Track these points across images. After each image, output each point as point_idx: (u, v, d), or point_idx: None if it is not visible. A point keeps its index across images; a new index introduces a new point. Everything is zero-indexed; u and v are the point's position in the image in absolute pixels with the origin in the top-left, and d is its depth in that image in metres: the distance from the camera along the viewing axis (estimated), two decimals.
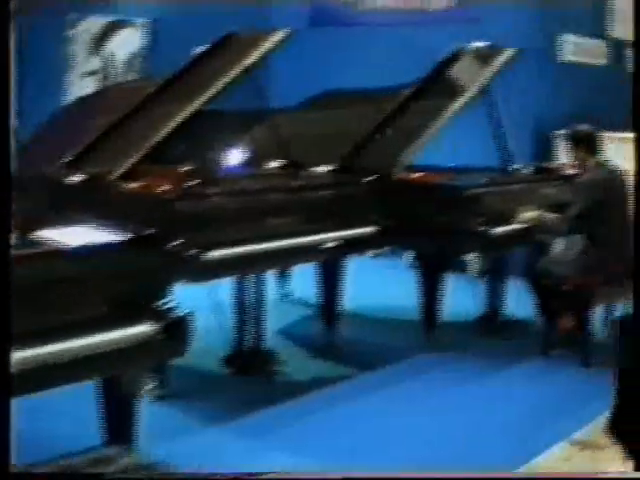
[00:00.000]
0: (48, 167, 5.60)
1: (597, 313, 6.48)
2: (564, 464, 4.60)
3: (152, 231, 3.83)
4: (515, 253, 7.31)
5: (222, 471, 4.03)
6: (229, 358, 5.87)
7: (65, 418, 4.78)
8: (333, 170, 6.41)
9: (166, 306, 3.79)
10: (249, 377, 5.81)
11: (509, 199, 6.67)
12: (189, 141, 5.91)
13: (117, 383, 3.96)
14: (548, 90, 9.15)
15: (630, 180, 6.40)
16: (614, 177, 6.39)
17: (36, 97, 8.46)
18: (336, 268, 6.58)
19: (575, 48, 9.57)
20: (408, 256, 7.29)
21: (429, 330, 6.57)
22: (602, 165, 6.40)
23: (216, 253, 5.04)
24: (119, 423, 4.05)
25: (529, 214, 6.55)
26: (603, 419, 5.08)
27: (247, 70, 5.84)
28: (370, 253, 6.60)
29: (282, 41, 6.07)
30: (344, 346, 6.64)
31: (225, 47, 6.18)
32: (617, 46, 10.24)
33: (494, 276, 7.17)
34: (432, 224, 6.26)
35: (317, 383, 5.81)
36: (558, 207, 6.65)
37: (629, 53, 10.52)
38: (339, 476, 3.82)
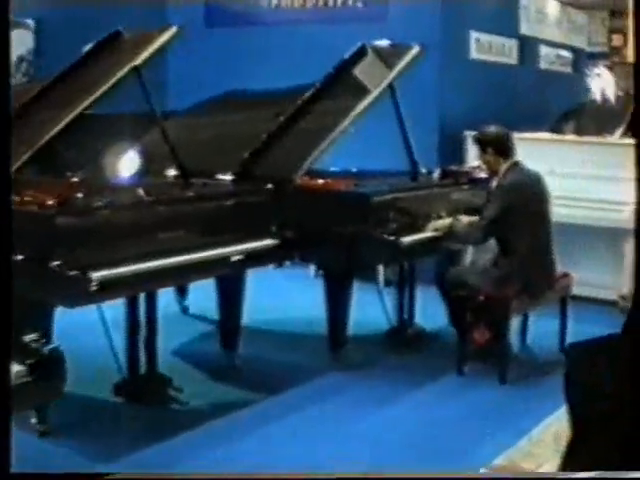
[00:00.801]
0: None
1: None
2: None
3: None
4: (426, 261, 6.92)
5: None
6: (119, 385, 5.38)
7: None
8: (231, 178, 5.95)
9: (35, 342, 3.30)
10: (141, 406, 5.32)
11: (418, 205, 6.33)
12: (75, 149, 5.48)
13: None
14: (456, 89, 8.85)
15: (546, 184, 6.13)
16: (528, 182, 6.08)
17: None
18: (236, 281, 6.12)
19: (484, 46, 9.31)
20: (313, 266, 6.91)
21: (337, 346, 6.16)
22: (515, 169, 6.05)
23: (101, 273, 4.52)
24: None
25: (440, 222, 6.21)
26: (523, 442, 4.87)
27: (136, 70, 5.51)
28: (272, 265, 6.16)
29: (171, 40, 5.70)
30: (247, 367, 6.14)
31: (111, 46, 5.77)
32: (528, 44, 10.05)
33: (404, 286, 6.80)
34: (336, 234, 5.86)
35: (217, 410, 5.34)
36: (471, 213, 6.33)
37: (540, 51, 10.37)
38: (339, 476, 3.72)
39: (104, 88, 5.38)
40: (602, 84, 15.94)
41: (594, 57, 13.99)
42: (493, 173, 6.13)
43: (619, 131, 9.16)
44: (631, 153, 7.81)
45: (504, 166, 6.03)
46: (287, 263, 6.18)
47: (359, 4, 9.14)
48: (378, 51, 6.76)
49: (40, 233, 4.53)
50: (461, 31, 9.06)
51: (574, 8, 11.50)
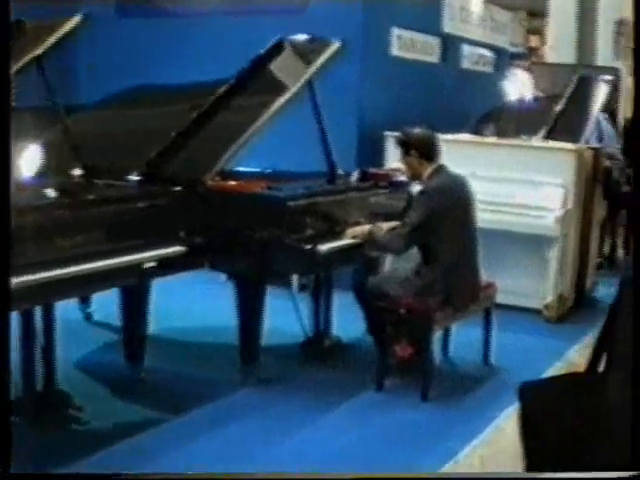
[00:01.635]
0: None
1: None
2: None
3: None
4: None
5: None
6: (14, 404, 4.91)
7: None
8: (138, 179, 5.53)
9: None
10: (37, 427, 4.86)
11: (336, 210, 5.96)
12: None
13: None
14: (376, 87, 8.53)
15: (471, 189, 5.83)
16: (453, 186, 5.77)
17: None
18: (140, 288, 5.70)
19: (406, 43, 9.03)
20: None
21: (250, 360, 5.75)
22: (439, 173, 5.73)
23: None
24: None
25: (359, 229, 5.84)
26: (448, 468, 4.58)
27: (38, 61, 5.18)
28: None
29: (75, 29, 5.31)
30: (153, 382, 5.72)
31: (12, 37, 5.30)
32: (450, 43, 9.82)
33: (320, 293, 6.46)
34: (249, 241, 5.47)
35: (121, 432, 4.91)
36: (391, 218, 6.01)
37: (463, 50, 10.16)
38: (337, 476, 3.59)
39: None
40: (519, 85, 15.82)
41: (515, 57, 13.84)
42: (416, 177, 5.81)
43: (540, 134, 8.95)
44: (554, 157, 7.77)
45: (428, 170, 5.71)
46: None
47: None
48: (296, 46, 6.40)
49: None
50: (382, 27, 8.75)
51: (497, 7, 11.29)
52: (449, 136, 7.60)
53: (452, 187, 5.75)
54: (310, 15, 8.23)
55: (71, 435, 4.87)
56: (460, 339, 6.42)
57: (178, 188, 5.39)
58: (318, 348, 6.36)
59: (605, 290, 8.90)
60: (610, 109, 11.37)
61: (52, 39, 5.35)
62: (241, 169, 6.23)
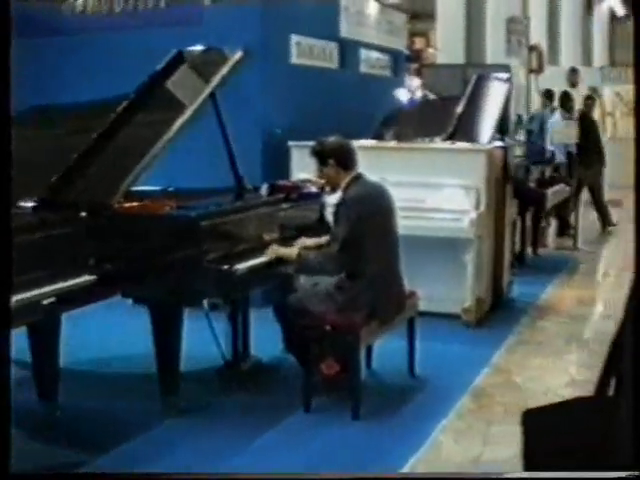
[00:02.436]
0: None
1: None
2: None
3: None
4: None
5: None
6: None
7: None
8: (36, 205, 5.18)
9: None
10: None
11: (251, 227, 5.72)
12: None
13: None
14: (278, 96, 8.31)
15: (391, 197, 5.63)
16: (373, 195, 5.58)
17: None
18: (49, 321, 5.36)
19: (305, 50, 8.84)
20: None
21: (169, 391, 5.43)
22: (358, 182, 5.53)
23: None
24: None
25: (285, 252, 5.59)
26: None
27: None
28: None
29: None
30: (70, 421, 5.38)
31: None
32: (348, 47, 9.68)
33: (236, 312, 6.17)
34: (162, 265, 5.17)
35: None
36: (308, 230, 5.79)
37: (361, 54, 10.05)
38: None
39: None
40: (411, 88, 15.85)
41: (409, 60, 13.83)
42: (334, 187, 5.59)
43: (442, 136, 8.82)
44: (464, 158, 7.65)
45: (346, 179, 5.50)
46: None
47: (172, 7, 8.49)
48: (197, 58, 6.15)
49: None
50: (281, 35, 8.54)
51: (392, 9, 11.21)
52: (354, 142, 7.40)
53: (372, 196, 5.55)
54: (208, 25, 7.98)
55: None
56: (382, 350, 6.22)
57: (83, 213, 5.07)
58: (238, 371, 6.08)
59: (520, 289, 8.86)
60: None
61: None
62: (144, 188, 5.92)
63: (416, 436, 5.10)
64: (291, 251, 5.58)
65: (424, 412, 5.53)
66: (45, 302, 4.62)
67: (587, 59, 31.78)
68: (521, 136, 13.80)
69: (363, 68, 10.32)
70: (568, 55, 29.01)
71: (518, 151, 11.18)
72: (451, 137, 8.60)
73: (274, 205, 6.10)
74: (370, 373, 6.20)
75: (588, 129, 12.75)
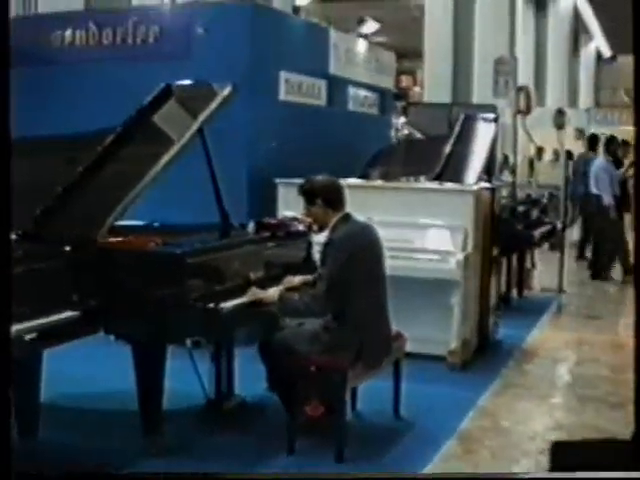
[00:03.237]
0: None
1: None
2: None
3: None
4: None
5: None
6: None
7: None
8: (18, 238, 5.10)
9: None
10: None
11: (237, 265, 5.61)
12: None
13: None
14: (266, 132, 8.28)
15: (379, 237, 5.57)
16: (361, 235, 5.51)
17: None
18: (31, 360, 5.28)
19: (294, 87, 8.83)
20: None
21: (151, 430, 5.33)
22: (346, 221, 5.47)
23: None
24: None
25: (269, 295, 5.49)
26: None
27: None
28: None
29: None
30: (50, 458, 5.26)
31: None
32: (337, 85, 9.66)
33: (220, 351, 6.07)
34: (146, 302, 5.08)
35: None
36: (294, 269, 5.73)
37: (349, 92, 10.05)
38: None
39: None
40: (397, 126, 15.88)
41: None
42: (322, 227, 5.53)
43: (430, 175, 8.79)
44: (452, 198, 7.61)
45: (334, 219, 5.44)
46: None
47: (160, 42, 8.46)
48: (186, 92, 6.07)
49: None
50: (270, 71, 8.52)
51: (381, 47, 11.23)
52: (340, 181, 7.36)
53: (360, 236, 5.50)
54: (197, 59, 7.96)
55: None
56: (367, 391, 6.13)
57: (67, 248, 4.99)
58: (222, 410, 5.99)
59: (505, 331, 8.81)
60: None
61: None
62: (129, 223, 5.84)
63: None
64: (273, 294, 5.48)
65: (409, 456, 5.45)
66: (27, 337, 4.53)
67: (573, 100, 31.98)
68: (507, 177, 13.80)
69: (351, 106, 10.31)
70: (554, 96, 29.20)
71: (504, 192, 11.17)
72: (438, 177, 8.57)
73: (260, 243, 6.02)
74: (355, 414, 6.11)
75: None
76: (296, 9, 11.53)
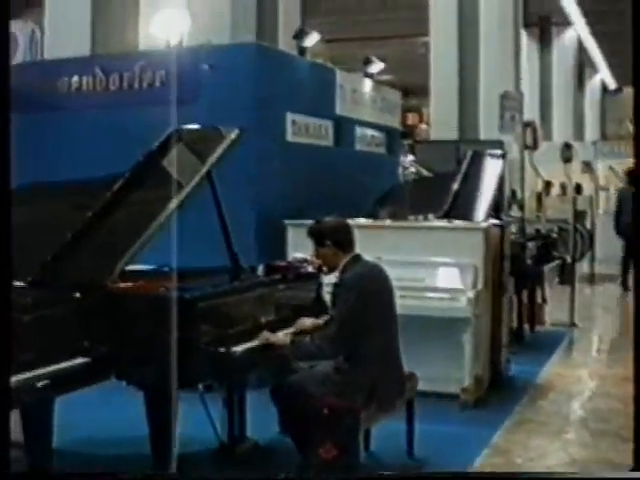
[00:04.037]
0: None
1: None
2: None
3: None
4: None
5: None
6: None
7: None
8: (29, 285, 5.11)
9: None
10: None
11: (248, 309, 5.63)
12: None
13: None
14: (273, 174, 8.29)
15: (389, 278, 5.57)
16: (372, 276, 5.51)
17: None
18: (42, 408, 5.25)
19: (301, 128, 8.86)
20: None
21: (163, 470, 5.29)
22: (356, 263, 5.47)
23: None
24: None
25: (280, 339, 5.48)
26: None
27: None
28: None
29: None
30: None
31: None
32: (343, 125, 9.69)
33: (232, 394, 6.05)
34: (157, 347, 5.06)
35: None
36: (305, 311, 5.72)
37: (356, 132, 10.08)
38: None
39: None
40: (404, 165, 15.90)
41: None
42: (331, 269, 5.53)
43: (438, 213, 8.78)
44: (461, 236, 7.62)
45: (344, 260, 5.44)
46: None
47: (167, 85, 8.49)
48: (194, 136, 6.12)
49: None
50: (277, 113, 8.55)
51: (387, 86, 11.28)
52: (349, 221, 7.37)
53: (371, 277, 5.50)
54: (204, 103, 7.99)
55: None
56: (380, 431, 6.10)
57: (77, 294, 5.00)
58: (234, 454, 5.96)
59: (518, 367, 8.77)
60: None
61: None
62: (138, 267, 5.84)
63: None
64: (284, 338, 5.49)
65: None
66: (38, 385, 4.53)
67: (579, 133, 32.03)
68: (515, 212, 13.80)
69: (358, 145, 10.33)
70: (560, 130, 29.26)
71: (513, 227, 11.16)
72: (447, 215, 8.57)
73: (271, 286, 6.01)
74: (368, 455, 6.07)
75: None
76: (302, 50, 11.57)
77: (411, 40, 26.24)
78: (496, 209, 9.76)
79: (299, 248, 7.22)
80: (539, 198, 17.30)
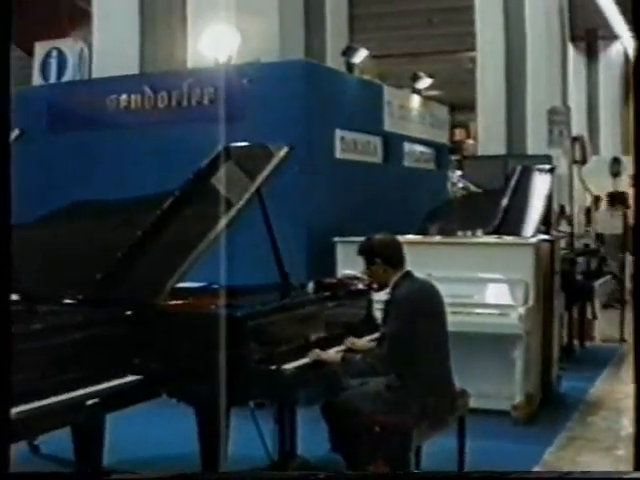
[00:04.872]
0: None
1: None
2: None
3: None
4: None
5: None
6: None
7: None
8: (80, 302, 5.14)
9: None
10: None
11: (298, 326, 5.62)
12: None
13: None
14: (323, 192, 8.29)
15: (441, 294, 5.53)
16: (423, 293, 5.48)
17: None
18: (94, 422, 5.27)
19: (349, 145, 8.86)
20: None
21: None
22: (407, 279, 5.44)
23: None
24: None
25: (331, 357, 5.48)
26: None
27: None
28: None
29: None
30: None
31: None
32: (392, 141, 9.68)
33: (285, 411, 6.05)
34: (207, 365, 5.06)
35: None
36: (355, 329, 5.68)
37: (404, 148, 10.07)
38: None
39: None
40: (453, 180, 15.83)
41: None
42: (382, 286, 5.51)
43: (487, 229, 8.72)
44: (512, 252, 7.57)
45: (394, 277, 5.41)
46: None
47: (215, 103, 8.53)
48: (243, 154, 6.12)
49: None
50: (326, 130, 8.56)
51: (435, 102, 11.26)
52: (399, 238, 7.34)
53: (422, 294, 5.46)
54: (252, 120, 8.01)
55: None
56: (431, 449, 6.04)
57: (128, 312, 5.02)
58: (285, 472, 5.94)
59: (569, 384, 8.69)
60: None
61: None
62: (188, 285, 5.85)
63: None
64: (335, 355, 5.49)
65: None
66: (89, 403, 4.55)
67: (626, 148, 31.74)
68: (564, 227, 13.69)
69: (407, 162, 10.32)
70: (608, 144, 29.00)
71: (563, 243, 11.08)
72: (496, 230, 8.52)
73: (321, 303, 6.01)
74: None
75: None
76: (350, 66, 11.57)
77: (458, 55, 26.14)
78: (545, 224, 9.70)
79: (348, 265, 7.22)
80: (588, 213, 17.17)
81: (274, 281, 6.14)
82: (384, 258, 5.44)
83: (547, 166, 10.38)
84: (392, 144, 9.84)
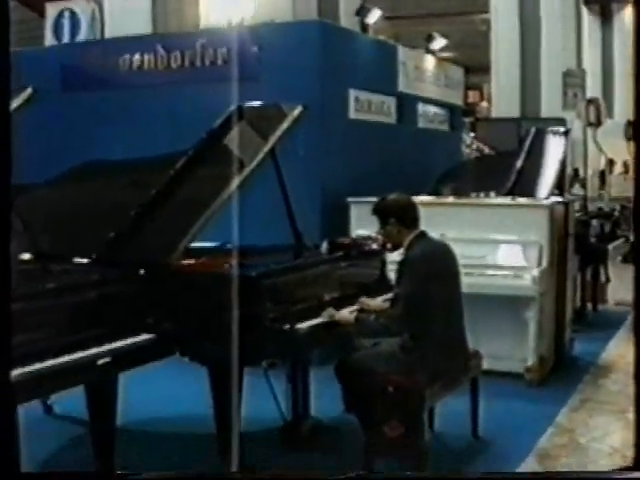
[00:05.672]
0: None
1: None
2: None
3: None
4: None
5: None
6: None
7: None
8: (93, 262, 5.14)
9: None
10: None
11: (312, 286, 5.61)
12: None
13: None
14: (337, 152, 8.26)
15: (455, 255, 5.51)
16: (437, 253, 5.46)
17: None
18: (107, 381, 5.26)
19: (363, 105, 8.81)
20: None
21: (226, 448, 5.29)
22: (421, 240, 5.41)
23: None
24: None
25: (344, 317, 5.45)
26: None
27: None
28: None
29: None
30: None
31: None
32: (406, 102, 9.63)
33: (296, 372, 6.05)
34: (221, 324, 5.04)
35: None
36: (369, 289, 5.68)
37: (419, 109, 10.01)
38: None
39: None
40: (466, 142, 15.78)
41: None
42: (396, 246, 5.48)
43: (501, 191, 8.68)
44: (526, 214, 7.52)
45: (409, 238, 5.38)
46: None
47: (229, 63, 8.47)
48: (256, 114, 6.08)
49: None
50: (340, 89, 8.51)
51: (450, 63, 11.19)
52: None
53: (436, 255, 5.44)
54: (265, 80, 7.96)
55: None
56: (444, 410, 6.05)
57: (142, 271, 5.01)
58: (299, 432, 5.96)
59: (581, 347, 8.68)
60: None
61: None
62: (201, 245, 5.83)
63: None
64: (349, 315, 5.46)
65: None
66: (101, 362, 4.55)
67: None
68: (578, 190, 13.65)
69: (421, 123, 10.27)
70: (622, 107, 28.80)
71: (577, 206, 11.04)
72: (510, 192, 8.47)
73: (334, 263, 5.98)
74: (432, 435, 6.02)
75: None
76: (364, 27, 11.51)
77: (472, 17, 25.97)
78: (559, 187, 9.65)
79: (362, 226, 7.20)
80: (602, 176, 17.09)
81: (288, 241, 6.13)
82: (398, 218, 5.41)
83: (561, 128, 10.32)
84: (406, 105, 9.78)
